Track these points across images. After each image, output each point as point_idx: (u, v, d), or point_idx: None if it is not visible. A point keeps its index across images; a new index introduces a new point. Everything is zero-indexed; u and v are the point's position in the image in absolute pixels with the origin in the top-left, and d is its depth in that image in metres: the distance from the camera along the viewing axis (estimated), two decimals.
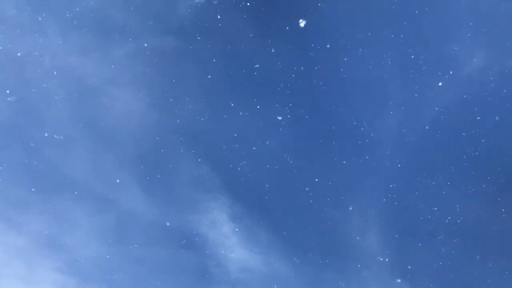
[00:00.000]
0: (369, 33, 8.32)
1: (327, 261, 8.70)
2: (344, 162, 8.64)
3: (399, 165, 8.55)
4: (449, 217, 8.44)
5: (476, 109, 8.20)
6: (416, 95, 8.33)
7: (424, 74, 8.30)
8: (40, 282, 8.67)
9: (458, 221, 8.39)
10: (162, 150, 8.71)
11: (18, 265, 8.62)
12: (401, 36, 8.22)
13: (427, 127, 8.36)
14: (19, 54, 8.36)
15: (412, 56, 8.24)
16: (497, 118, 8.11)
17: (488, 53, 8.05)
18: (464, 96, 8.22)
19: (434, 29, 8.17)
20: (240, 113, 8.65)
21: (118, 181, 8.69)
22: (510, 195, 8.23)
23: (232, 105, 8.68)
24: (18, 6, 8.31)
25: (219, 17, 8.47)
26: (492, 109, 8.14)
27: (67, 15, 8.42)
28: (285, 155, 8.70)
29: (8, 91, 7.75)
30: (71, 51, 8.50)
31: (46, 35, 8.45)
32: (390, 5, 8.24)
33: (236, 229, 8.79)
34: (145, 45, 8.53)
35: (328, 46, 8.37)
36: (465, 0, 7.99)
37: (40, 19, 8.35)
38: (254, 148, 8.69)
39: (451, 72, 8.18)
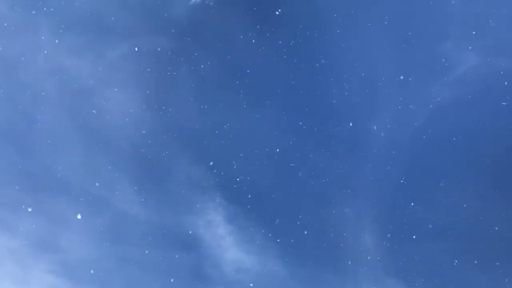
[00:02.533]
0: (364, 34, 8.40)
1: (322, 261, 8.72)
2: (339, 162, 8.69)
3: (394, 165, 8.62)
4: (443, 217, 8.50)
5: (472, 109, 8.30)
6: (411, 95, 8.41)
7: (419, 74, 8.39)
8: (34, 284, 8.58)
9: (453, 220, 8.45)
10: (157, 151, 8.70)
11: (11, 267, 8.53)
12: (396, 36, 8.32)
13: (422, 127, 8.44)
14: (12, 55, 8.32)
15: (407, 56, 8.33)
16: (493, 117, 8.20)
17: (483, 52, 8.17)
18: (460, 95, 8.33)
19: (428, 29, 8.27)
20: (236, 114, 8.68)
21: (112, 182, 8.65)
22: (506, 196, 8.32)
23: (227, 106, 8.71)
24: (12, 7, 8.28)
25: (214, 18, 8.51)
26: (487, 109, 8.24)
27: (61, 15, 8.40)
28: (281, 156, 8.73)
29: None
30: (65, 52, 8.48)
31: (40, 35, 8.42)
32: (383, 5, 8.33)
33: (232, 230, 8.78)
34: (140, 45, 8.54)
35: (324, 45, 8.44)
36: (458, 0, 8.12)
37: (34, 19, 8.33)
38: (250, 149, 8.71)
39: (446, 72, 8.29)
